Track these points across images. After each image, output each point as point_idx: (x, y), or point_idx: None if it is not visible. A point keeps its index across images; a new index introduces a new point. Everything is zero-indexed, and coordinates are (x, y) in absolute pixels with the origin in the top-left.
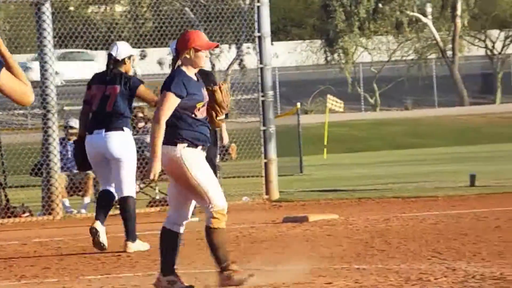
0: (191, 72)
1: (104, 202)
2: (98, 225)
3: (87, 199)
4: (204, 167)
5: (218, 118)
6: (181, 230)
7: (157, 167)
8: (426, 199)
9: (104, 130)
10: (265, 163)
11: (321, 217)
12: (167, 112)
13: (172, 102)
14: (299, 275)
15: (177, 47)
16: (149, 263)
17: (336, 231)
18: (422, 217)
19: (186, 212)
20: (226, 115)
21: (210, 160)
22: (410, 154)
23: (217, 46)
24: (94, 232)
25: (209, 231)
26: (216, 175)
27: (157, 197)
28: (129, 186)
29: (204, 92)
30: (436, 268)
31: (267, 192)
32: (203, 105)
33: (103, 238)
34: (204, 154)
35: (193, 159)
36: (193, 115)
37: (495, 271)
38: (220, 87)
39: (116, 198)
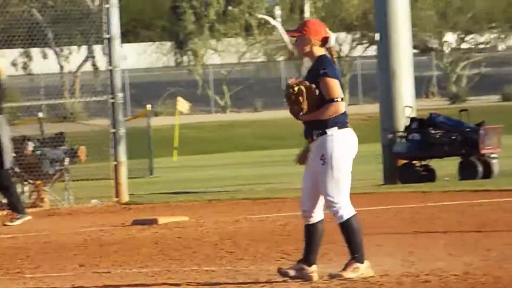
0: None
1: None
2: None
3: None
4: None
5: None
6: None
7: None
8: (275, 201)
9: None
10: (115, 166)
11: (171, 219)
12: None
13: None
14: (147, 277)
15: None
16: None
17: (185, 233)
18: (271, 219)
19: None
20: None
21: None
22: (260, 156)
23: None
24: None
25: None
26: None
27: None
28: None
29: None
30: None
31: (117, 195)
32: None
33: None
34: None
35: None
36: None
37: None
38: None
39: None
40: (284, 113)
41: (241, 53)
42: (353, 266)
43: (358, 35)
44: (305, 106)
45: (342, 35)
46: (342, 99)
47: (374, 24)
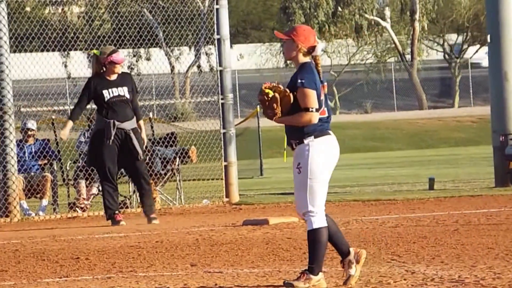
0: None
1: None
2: None
3: (44, 202)
4: None
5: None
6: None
7: None
8: (385, 202)
9: None
10: (225, 166)
11: (281, 220)
12: None
13: None
14: (258, 277)
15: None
16: (108, 266)
17: (296, 234)
18: (381, 220)
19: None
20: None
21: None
22: (369, 158)
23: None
24: None
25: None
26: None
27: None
28: None
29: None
30: (396, 271)
31: (227, 195)
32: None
33: None
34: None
35: None
36: None
37: (453, 273)
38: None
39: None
40: (394, 115)
41: (351, 55)
42: (305, 276)
43: (469, 37)
44: (278, 111)
45: (453, 36)
46: (317, 109)
47: (485, 25)
